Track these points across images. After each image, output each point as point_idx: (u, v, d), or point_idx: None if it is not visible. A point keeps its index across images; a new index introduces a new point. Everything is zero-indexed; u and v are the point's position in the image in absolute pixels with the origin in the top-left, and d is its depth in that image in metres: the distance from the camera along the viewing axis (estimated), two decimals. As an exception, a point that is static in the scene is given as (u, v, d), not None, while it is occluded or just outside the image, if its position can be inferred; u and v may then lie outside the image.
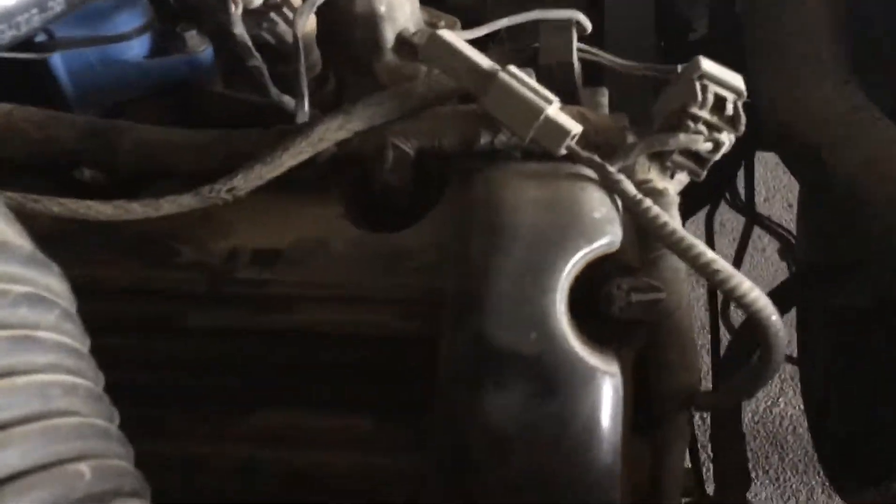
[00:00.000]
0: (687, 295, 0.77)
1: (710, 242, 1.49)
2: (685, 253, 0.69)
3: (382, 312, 0.71)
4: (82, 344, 0.60)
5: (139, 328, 0.74)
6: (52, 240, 0.75)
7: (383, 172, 0.77)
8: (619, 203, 0.72)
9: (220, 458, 0.72)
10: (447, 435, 0.64)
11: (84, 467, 0.51)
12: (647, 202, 0.70)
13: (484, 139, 0.75)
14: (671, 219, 0.71)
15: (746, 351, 1.02)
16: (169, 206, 0.72)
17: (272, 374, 0.73)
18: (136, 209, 0.72)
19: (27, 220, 0.58)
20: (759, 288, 0.69)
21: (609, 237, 0.68)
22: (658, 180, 0.78)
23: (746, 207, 1.51)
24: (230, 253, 0.74)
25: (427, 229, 0.74)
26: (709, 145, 0.74)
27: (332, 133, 0.75)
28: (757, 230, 1.58)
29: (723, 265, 0.69)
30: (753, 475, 1.70)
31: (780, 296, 0.90)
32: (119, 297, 0.74)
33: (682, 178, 0.81)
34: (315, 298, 0.72)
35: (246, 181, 0.73)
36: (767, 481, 2.19)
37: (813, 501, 2.15)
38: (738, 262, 1.56)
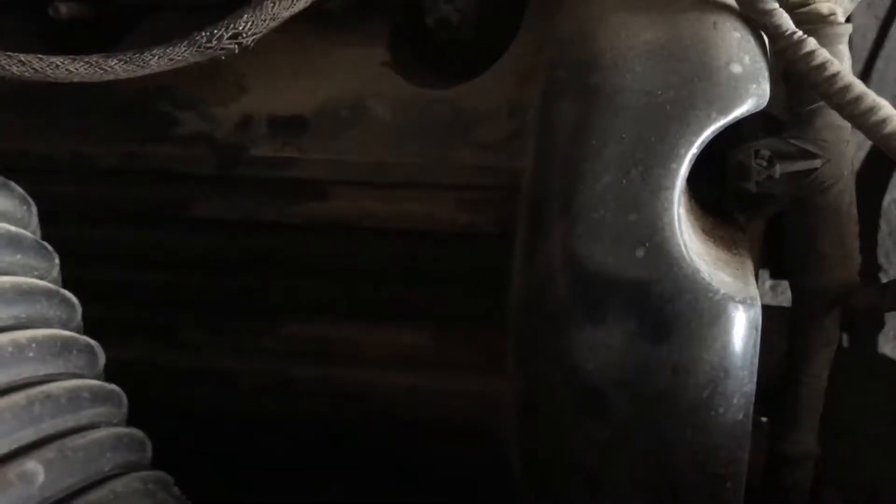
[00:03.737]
0: (850, 163, 0.57)
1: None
2: (864, 118, 0.49)
3: (440, 201, 0.54)
4: (43, 270, 0.46)
5: (135, 217, 0.59)
6: (22, 105, 0.60)
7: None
8: (767, 43, 0.51)
9: (247, 375, 0.59)
10: (523, 380, 0.49)
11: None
12: (810, 44, 0.50)
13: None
14: (839, 62, 0.51)
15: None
16: (157, 61, 0.55)
17: (306, 277, 0.58)
18: (116, 67, 0.55)
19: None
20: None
21: (753, 101, 0.48)
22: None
23: None
24: (241, 121, 0.57)
25: (497, 83, 0.55)
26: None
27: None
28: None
29: None
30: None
31: None
32: (108, 179, 0.58)
33: (854, -7, 0.59)
34: (352, 183, 0.55)
35: (254, 24, 0.54)
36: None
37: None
38: None
